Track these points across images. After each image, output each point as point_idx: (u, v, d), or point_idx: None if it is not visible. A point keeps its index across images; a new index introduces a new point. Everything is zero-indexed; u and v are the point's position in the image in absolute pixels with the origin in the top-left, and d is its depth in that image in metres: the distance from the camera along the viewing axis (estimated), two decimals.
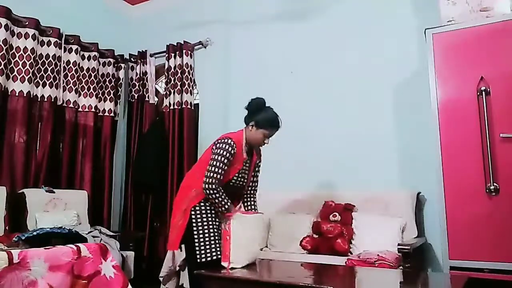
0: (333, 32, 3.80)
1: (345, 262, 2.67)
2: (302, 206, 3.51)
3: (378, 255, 2.62)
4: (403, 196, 3.18)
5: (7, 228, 3.28)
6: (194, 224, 2.43)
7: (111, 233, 3.76)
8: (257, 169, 2.75)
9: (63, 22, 4.13)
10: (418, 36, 3.25)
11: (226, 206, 2.39)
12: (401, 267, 2.60)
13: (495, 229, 2.41)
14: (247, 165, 2.61)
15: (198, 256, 2.40)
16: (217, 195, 2.36)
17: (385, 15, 3.58)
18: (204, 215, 2.45)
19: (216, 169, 2.35)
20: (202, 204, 2.46)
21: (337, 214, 3.27)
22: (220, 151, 2.39)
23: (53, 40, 4.02)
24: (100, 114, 4.46)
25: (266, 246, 3.50)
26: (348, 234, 3.14)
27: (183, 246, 2.53)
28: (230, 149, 2.40)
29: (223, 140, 2.44)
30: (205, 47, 4.54)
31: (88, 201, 3.95)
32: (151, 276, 3.79)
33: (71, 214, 3.66)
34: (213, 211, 2.49)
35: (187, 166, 4.25)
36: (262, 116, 2.52)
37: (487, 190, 2.45)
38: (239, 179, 2.57)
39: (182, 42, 4.48)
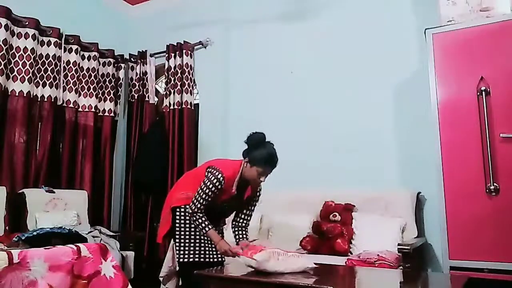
0: (333, 32, 3.80)
1: (345, 262, 2.67)
2: (302, 206, 3.51)
3: (378, 255, 2.62)
4: (403, 196, 3.18)
5: (7, 228, 3.28)
6: (177, 224, 2.53)
7: (111, 233, 3.76)
8: (253, 203, 2.67)
9: (63, 22, 4.13)
10: (418, 36, 3.25)
11: (205, 231, 2.44)
12: (401, 267, 2.60)
13: (495, 229, 2.41)
14: (237, 199, 2.55)
15: (176, 256, 2.53)
16: (200, 220, 2.43)
17: (385, 15, 3.58)
18: (188, 218, 2.53)
19: (201, 200, 2.41)
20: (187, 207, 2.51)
21: (337, 214, 3.27)
22: (208, 183, 2.41)
23: (53, 40, 4.02)
24: (100, 114, 4.46)
25: None
26: (348, 234, 3.14)
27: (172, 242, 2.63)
28: (217, 184, 2.39)
29: (214, 172, 2.42)
30: (205, 47, 4.54)
31: (88, 201, 3.95)
32: (151, 276, 3.79)
33: (71, 214, 3.66)
34: None
35: (187, 166, 4.25)
36: (258, 153, 2.41)
37: (487, 190, 2.45)
38: (225, 207, 2.58)
39: (182, 42, 4.48)
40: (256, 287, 2.03)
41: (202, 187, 2.43)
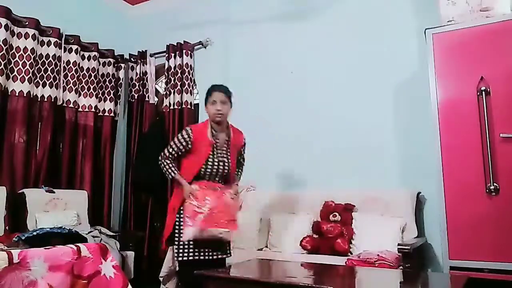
0: (333, 32, 3.80)
1: (345, 262, 2.67)
2: (302, 206, 3.51)
3: (378, 255, 2.62)
4: (403, 196, 3.18)
5: (7, 228, 3.28)
6: (177, 223, 2.56)
7: (111, 233, 3.76)
8: (242, 153, 2.83)
9: (63, 22, 4.13)
10: (418, 36, 3.25)
11: (171, 176, 2.60)
12: (401, 267, 2.59)
13: (495, 229, 2.41)
14: (222, 149, 2.65)
15: (176, 255, 2.55)
16: (166, 167, 2.61)
17: (385, 15, 3.58)
18: None
19: (170, 149, 2.62)
20: None
21: (337, 214, 3.27)
22: (177, 136, 2.65)
23: (53, 40, 4.02)
24: (100, 114, 4.46)
25: (266, 246, 3.50)
26: (348, 234, 3.14)
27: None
28: (185, 134, 2.59)
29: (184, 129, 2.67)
30: (205, 47, 4.54)
31: (88, 201, 3.95)
32: (151, 276, 3.79)
33: (71, 214, 3.66)
34: None
35: None
36: (208, 90, 2.67)
37: (487, 190, 2.45)
38: (215, 164, 2.60)
39: (182, 42, 4.48)
40: (256, 287, 2.03)
41: (172, 139, 2.67)
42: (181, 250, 2.52)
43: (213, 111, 2.57)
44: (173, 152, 2.62)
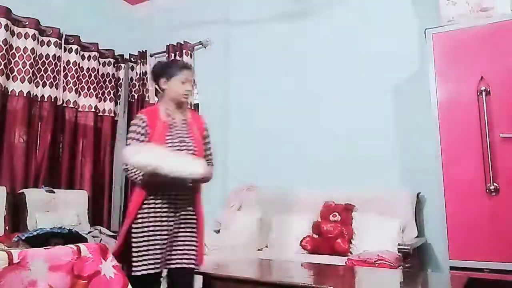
0: (333, 32, 3.80)
1: (345, 262, 2.67)
2: (302, 206, 3.51)
3: (378, 255, 2.62)
4: (403, 196, 3.19)
5: (7, 228, 3.27)
6: (135, 230, 2.19)
7: (111, 233, 3.76)
8: (207, 143, 2.38)
9: (63, 22, 4.12)
10: (418, 36, 3.25)
11: (140, 177, 2.15)
12: (401, 267, 2.60)
13: (495, 229, 2.41)
14: (182, 129, 2.27)
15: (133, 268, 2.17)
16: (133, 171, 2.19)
17: (385, 15, 3.58)
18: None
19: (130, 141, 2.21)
20: None
21: (337, 214, 3.28)
22: (131, 126, 2.26)
23: (53, 40, 4.02)
24: (100, 114, 4.46)
25: (266, 246, 3.50)
26: (348, 234, 3.14)
27: None
28: (138, 121, 2.23)
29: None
30: (205, 47, 4.54)
31: (88, 201, 3.95)
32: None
33: (71, 214, 3.66)
34: None
35: None
36: (168, 66, 2.38)
37: (487, 190, 2.45)
38: (176, 144, 2.20)
39: (182, 42, 4.48)
40: (256, 286, 2.03)
41: (127, 137, 2.27)
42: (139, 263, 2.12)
43: (182, 91, 2.29)
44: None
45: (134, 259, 2.11)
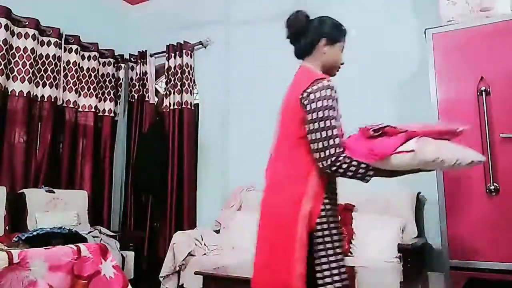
0: None
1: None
2: None
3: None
4: (403, 196, 3.18)
5: (7, 228, 3.27)
6: (318, 241, 1.63)
7: (111, 233, 3.77)
8: None
9: (63, 22, 4.13)
10: (418, 36, 3.25)
11: (363, 167, 1.68)
12: (401, 267, 2.59)
13: (495, 229, 2.41)
14: None
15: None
16: (350, 164, 1.66)
17: (385, 15, 3.58)
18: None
19: (328, 129, 1.66)
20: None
21: None
22: (324, 101, 1.64)
23: (53, 40, 4.02)
24: (100, 114, 4.46)
25: None
26: (348, 234, 3.14)
27: None
28: (329, 92, 1.68)
29: (320, 86, 1.66)
30: (205, 47, 4.54)
31: (88, 201, 3.95)
32: (151, 276, 3.79)
33: (71, 214, 3.66)
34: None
35: (187, 166, 4.25)
36: (328, 24, 1.86)
37: (487, 190, 2.45)
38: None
39: (182, 42, 4.48)
40: None
41: (320, 111, 1.64)
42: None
43: (340, 62, 1.89)
44: (336, 131, 1.66)
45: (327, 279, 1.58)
